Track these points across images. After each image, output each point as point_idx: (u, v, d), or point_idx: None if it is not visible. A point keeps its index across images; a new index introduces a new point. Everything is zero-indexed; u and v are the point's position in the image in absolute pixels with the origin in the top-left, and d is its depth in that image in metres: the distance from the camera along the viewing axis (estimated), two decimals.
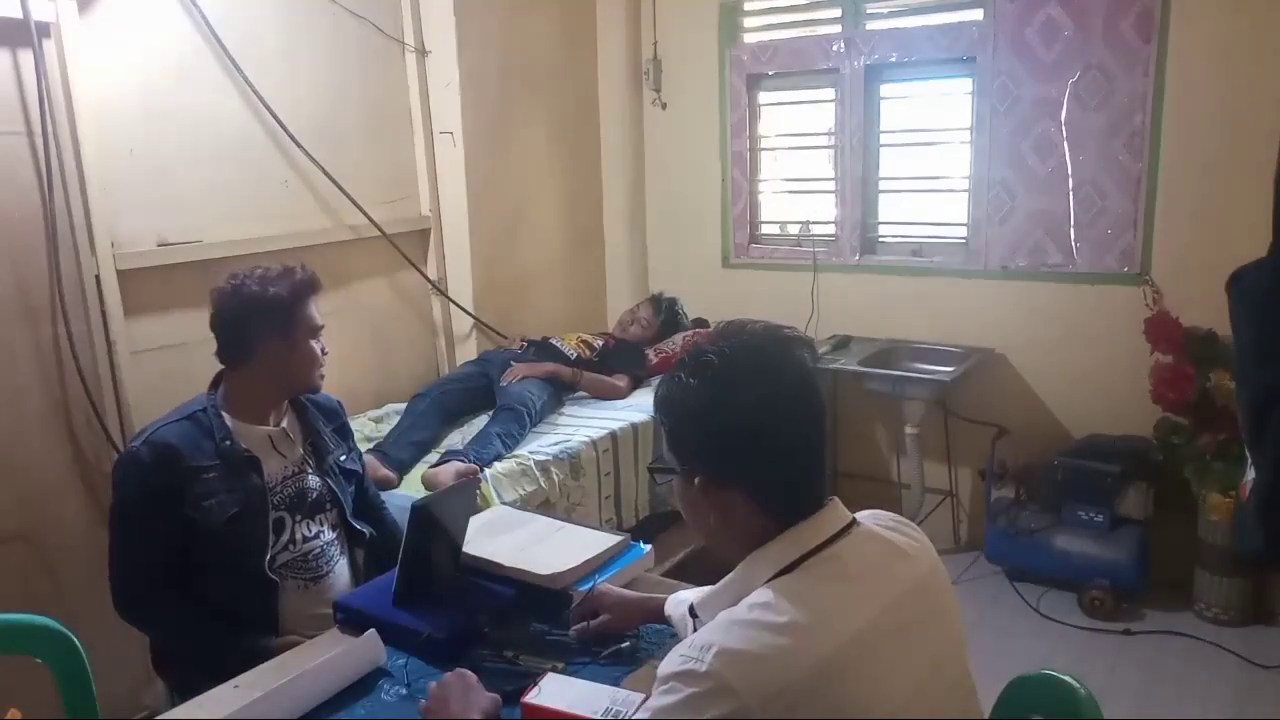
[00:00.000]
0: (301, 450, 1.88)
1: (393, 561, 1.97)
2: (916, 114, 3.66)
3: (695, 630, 1.15)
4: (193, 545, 1.72)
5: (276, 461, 1.83)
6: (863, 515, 1.13)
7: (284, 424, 1.86)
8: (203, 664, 1.61)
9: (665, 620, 1.45)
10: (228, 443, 1.75)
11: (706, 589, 1.17)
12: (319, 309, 1.88)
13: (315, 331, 1.86)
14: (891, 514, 1.16)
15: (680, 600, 1.39)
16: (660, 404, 1.13)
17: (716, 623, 1.00)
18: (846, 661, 0.96)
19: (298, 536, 1.82)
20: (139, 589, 1.74)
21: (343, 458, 1.98)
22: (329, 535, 1.88)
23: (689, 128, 3.99)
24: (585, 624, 1.50)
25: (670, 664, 0.98)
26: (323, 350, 1.89)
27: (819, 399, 1.10)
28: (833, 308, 3.74)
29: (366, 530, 1.96)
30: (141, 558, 1.73)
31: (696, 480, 1.09)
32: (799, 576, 1.03)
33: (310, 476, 1.87)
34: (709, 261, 4.07)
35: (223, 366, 1.84)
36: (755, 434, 1.05)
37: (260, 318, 1.78)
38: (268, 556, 1.76)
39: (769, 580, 1.03)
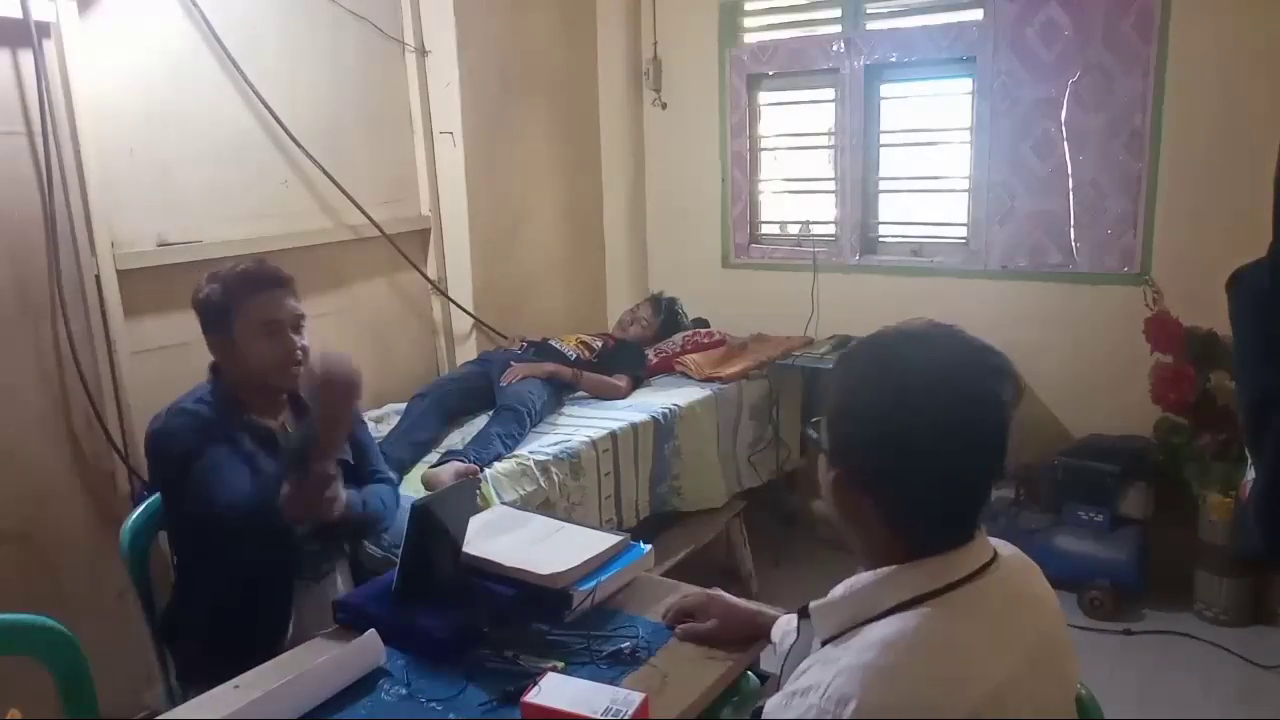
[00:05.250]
0: None
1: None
2: (916, 114, 3.66)
3: (799, 635, 1.09)
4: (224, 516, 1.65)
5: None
6: (999, 546, 1.05)
7: (281, 418, 1.84)
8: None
9: (767, 639, 1.41)
10: (246, 417, 1.76)
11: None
12: (276, 303, 1.77)
13: (273, 326, 1.75)
14: (1012, 547, 1.07)
15: (789, 632, 1.29)
16: (833, 379, 1.04)
17: (849, 667, 0.89)
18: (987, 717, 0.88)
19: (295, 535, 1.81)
20: (247, 500, 1.64)
21: None
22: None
23: (689, 128, 3.99)
24: (690, 624, 1.48)
25: (797, 709, 0.90)
26: (290, 344, 1.76)
27: (1005, 434, 0.97)
28: (833, 308, 3.74)
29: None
30: (225, 477, 1.66)
31: (834, 473, 1.01)
32: (939, 615, 0.93)
33: None
34: (709, 261, 4.07)
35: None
36: (910, 459, 0.95)
37: (205, 318, 1.78)
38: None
39: (902, 605, 0.94)
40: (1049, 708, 0.97)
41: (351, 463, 1.96)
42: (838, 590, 1.01)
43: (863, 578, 0.99)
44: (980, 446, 0.97)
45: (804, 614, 1.07)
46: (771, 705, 0.95)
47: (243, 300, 1.76)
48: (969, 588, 0.95)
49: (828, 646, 0.98)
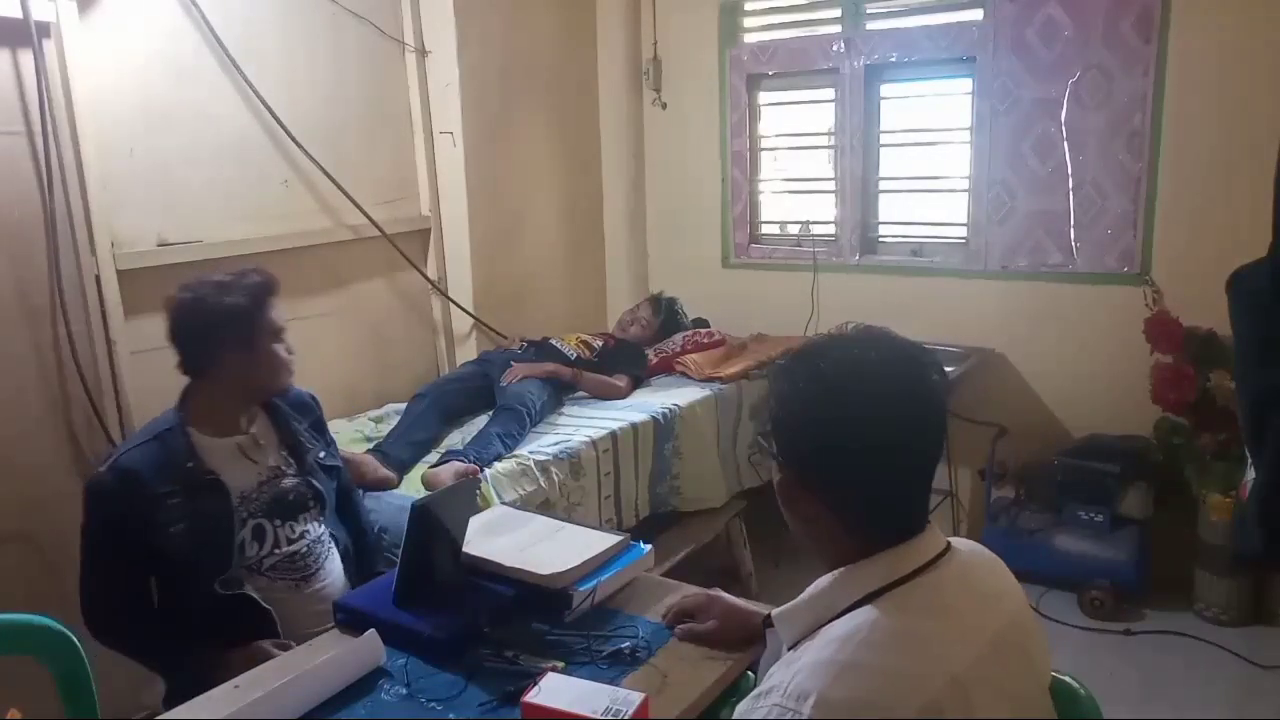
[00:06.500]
0: (276, 455, 1.87)
1: (367, 564, 1.99)
2: (916, 114, 3.66)
3: (767, 644, 1.10)
4: (162, 566, 1.73)
5: (248, 470, 1.81)
6: (960, 543, 1.08)
7: (254, 429, 1.84)
8: (174, 675, 1.67)
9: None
10: (190, 465, 1.74)
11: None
12: (279, 310, 1.84)
13: (278, 334, 1.82)
14: (974, 543, 1.11)
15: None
16: (771, 389, 1.09)
17: (808, 664, 0.93)
18: (944, 709, 0.90)
19: (281, 539, 1.81)
20: (110, 610, 1.74)
21: (322, 454, 1.96)
22: (316, 532, 1.88)
23: (689, 128, 3.99)
24: (690, 624, 1.48)
25: (761, 710, 0.92)
26: (288, 350, 1.85)
27: (940, 427, 1.04)
28: (833, 308, 3.73)
29: (340, 535, 1.95)
30: (110, 581, 1.73)
31: (781, 476, 1.05)
32: (894, 608, 0.96)
33: (286, 479, 1.86)
34: (709, 261, 4.07)
35: (187, 379, 1.82)
36: (846, 457, 0.99)
37: (221, 329, 1.75)
38: (229, 575, 1.74)
39: (858, 603, 0.98)
40: (1018, 699, 0.99)
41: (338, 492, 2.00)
42: (800, 596, 1.04)
43: (821, 581, 1.03)
44: (920, 438, 1.02)
45: (768, 623, 1.10)
46: (739, 710, 0.97)
47: (265, 309, 1.79)
48: (922, 580, 0.99)
49: (792, 650, 1.01)
